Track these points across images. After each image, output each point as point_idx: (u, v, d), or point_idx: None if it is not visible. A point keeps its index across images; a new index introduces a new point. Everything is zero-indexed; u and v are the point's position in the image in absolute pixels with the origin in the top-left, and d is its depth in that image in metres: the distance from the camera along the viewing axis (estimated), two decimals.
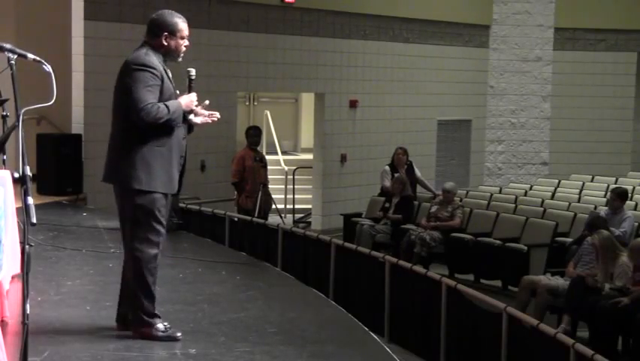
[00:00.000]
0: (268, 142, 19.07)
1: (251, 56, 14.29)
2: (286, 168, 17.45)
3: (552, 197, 14.66)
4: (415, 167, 14.42)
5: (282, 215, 15.87)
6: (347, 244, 9.97)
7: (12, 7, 13.09)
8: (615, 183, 14.85)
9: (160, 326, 5.25)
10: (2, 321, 5.34)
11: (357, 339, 5.97)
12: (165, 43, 5.19)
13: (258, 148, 13.39)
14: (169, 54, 5.22)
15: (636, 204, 13.24)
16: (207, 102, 5.41)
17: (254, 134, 13.04)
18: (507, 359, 7.23)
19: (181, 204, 10.55)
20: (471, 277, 11.90)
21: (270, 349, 5.35)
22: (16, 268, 5.90)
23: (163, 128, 5.11)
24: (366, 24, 16.38)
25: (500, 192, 15.35)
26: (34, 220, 3.61)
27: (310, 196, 16.47)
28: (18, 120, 3.82)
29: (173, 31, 5.20)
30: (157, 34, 5.20)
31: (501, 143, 19.20)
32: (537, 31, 19.01)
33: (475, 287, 9.03)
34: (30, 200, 3.66)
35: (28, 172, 3.70)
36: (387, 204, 13.36)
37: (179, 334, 5.30)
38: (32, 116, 11.92)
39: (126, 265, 5.29)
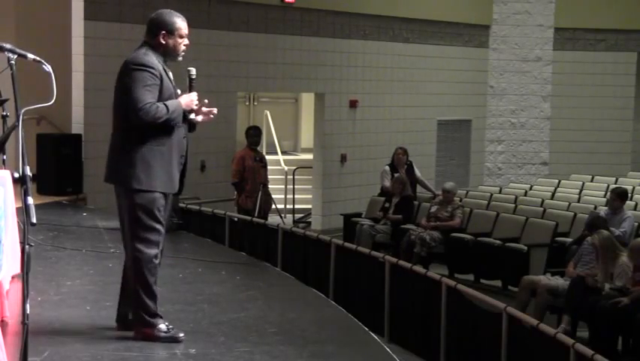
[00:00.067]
0: (268, 142, 19.06)
1: (251, 56, 14.28)
2: (286, 168, 17.43)
3: (552, 197, 14.65)
4: (414, 167, 14.42)
5: (282, 215, 15.87)
6: (347, 244, 9.96)
7: (12, 7, 13.08)
8: (615, 183, 14.84)
9: (162, 326, 5.22)
10: (2, 321, 5.34)
11: (357, 339, 5.96)
12: (163, 42, 5.19)
13: (258, 148, 13.38)
14: (168, 53, 5.21)
15: (636, 204, 13.24)
16: (206, 102, 5.41)
17: (254, 134, 13.03)
18: (507, 359, 7.22)
19: (181, 204, 10.54)
20: (471, 277, 11.90)
21: (270, 349, 5.35)
22: (16, 268, 5.88)
23: (163, 128, 5.10)
24: (366, 24, 16.38)
25: (500, 192, 15.35)
26: (34, 220, 3.61)
27: (310, 196, 16.47)
28: (18, 120, 3.81)
29: (171, 30, 5.19)
30: (155, 33, 5.20)
31: (501, 143, 19.19)
32: (537, 31, 19.00)
33: (475, 287, 9.02)
34: (30, 200, 3.66)
35: (28, 172, 3.70)
36: (387, 204, 13.35)
37: (181, 335, 5.26)
38: (32, 116, 11.90)
39: (127, 265, 5.29)
